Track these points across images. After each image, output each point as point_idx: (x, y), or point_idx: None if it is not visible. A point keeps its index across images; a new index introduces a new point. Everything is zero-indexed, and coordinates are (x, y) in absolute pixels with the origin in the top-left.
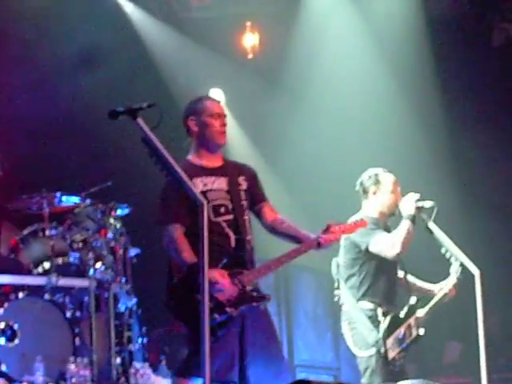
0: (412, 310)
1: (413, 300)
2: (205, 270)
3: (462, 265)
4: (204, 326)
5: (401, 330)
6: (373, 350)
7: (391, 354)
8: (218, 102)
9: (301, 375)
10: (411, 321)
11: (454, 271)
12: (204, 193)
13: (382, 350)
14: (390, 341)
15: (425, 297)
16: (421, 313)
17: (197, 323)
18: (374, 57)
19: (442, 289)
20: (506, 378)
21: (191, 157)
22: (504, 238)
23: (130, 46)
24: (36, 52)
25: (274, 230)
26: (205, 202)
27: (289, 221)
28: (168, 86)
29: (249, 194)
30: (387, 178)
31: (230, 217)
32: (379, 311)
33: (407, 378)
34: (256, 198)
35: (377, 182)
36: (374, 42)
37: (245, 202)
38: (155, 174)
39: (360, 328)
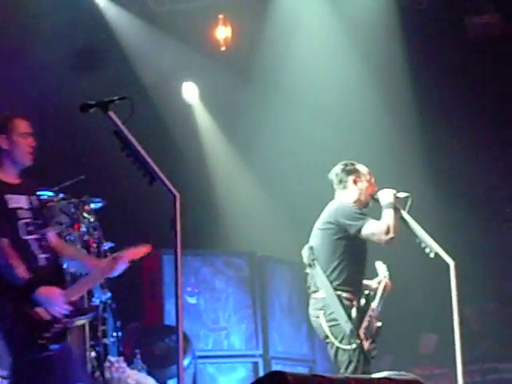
0: (368, 301)
1: (366, 291)
2: (178, 268)
3: (436, 255)
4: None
5: (366, 321)
6: (355, 343)
7: (366, 345)
8: (27, 121)
9: (276, 367)
10: (370, 312)
11: (381, 268)
12: (15, 210)
13: (358, 342)
14: (361, 331)
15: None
16: (374, 305)
17: (23, 347)
18: (346, 48)
19: (379, 282)
20: (483, 369)
21: None
22: (478, 229)
23: (102, 40)
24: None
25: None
26: (177, 195)
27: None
28: (140, 79)
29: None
30: (362, 167)
31: (38, 236)
32: (355, 302)
33: (381, 370)
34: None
35: (355, 171)
36: (347, 33)
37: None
38: (128, 167)
39: (338, 318)
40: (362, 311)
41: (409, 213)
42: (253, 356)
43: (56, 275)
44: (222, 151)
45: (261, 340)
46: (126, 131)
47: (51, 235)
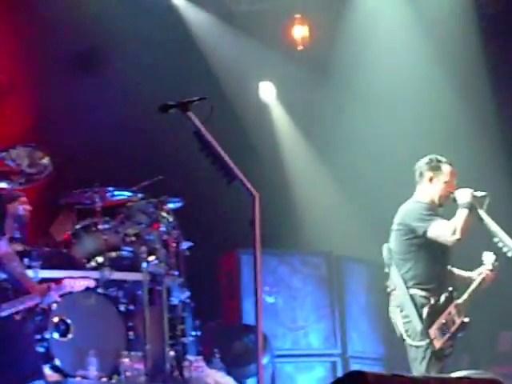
0: (450, 298)
1: (449, 288)
2: (258, 267)
3: None
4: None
5: (443, 319)
6: (424, 341)
7: (437, 344)
8: None
9: (354, 366)
10: (451, 309)
11: (488, 258)
12: None
13: (428, 340)
14: (433, 330)
15: (465, 284)
16: (460, 300)
17: None
18: (423, 47)
19: (479, 274)
20: None
21: None
22: None
23: (181, 41)
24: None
25: None
26: (257, 195)
27: None
28: (219, 79)
29: None
30: (446, 168)
31: None
32: (432, 300)
33: (459, 369)
34: None
35: (436, 169)
36: (424, 31)
37: None
38: (207, 167)
39: (410, 316)
40: (437, 310)
41: (487, 212)
42: (331, 355)
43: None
44: (300, 150)
45: (339, 339)
46: (205, 131)
47: (2, 244)
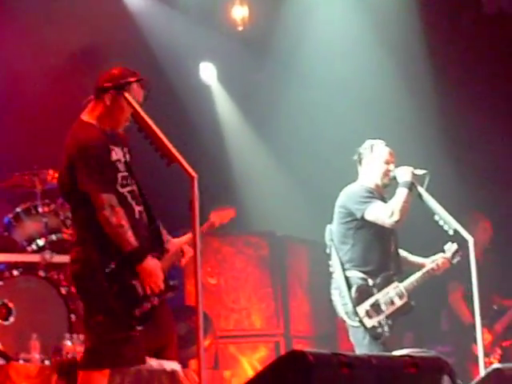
0: (388, 279)
1: (390, 270)
2: (197, 249)
3: (455, 231)
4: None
5: (375, 298)
6: (357, 320)
7: (369, 323)
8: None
9: (298, 347)
10: (389, 289)
11: (449, 247)
12: (115, 162)
13: (358, 319)
14: (362, 309)
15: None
16: (403, 282)
17: (124, 312)
18: (363, 24)
19: (432, 262)
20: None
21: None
22: (498, 205)
23: (119, 21)
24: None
25: None
26: (195, 176)
27: None
28: (157, 59)
29: None
30: (382, 149)
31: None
32: (370, 281)
33: (403, 348)
34: None
35: (371, 152)
36: (363, 9)
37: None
38: (146, 148)
39: (345, 297)
40: (370, 290)
41: (427, 190)
42: (274, 335)
43: (156, 238)
44: (241, 131)
45: (282, 319)
46: (142, 112)
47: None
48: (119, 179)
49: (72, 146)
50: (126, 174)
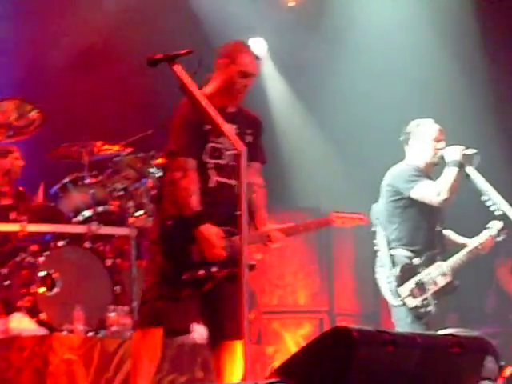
0: (431, 259)
1: (435, 250)
2: (243, 223)
3: (504, 213)
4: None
5: (419, 278)
6: (399, 300)
7: (411, 302)
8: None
9: (341, 324)
10: (431, 269)
11: (495, 225)
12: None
13: (400, 299)
14: (405, 288)
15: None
16: (447, 262)
17: (172, 272)
18: (416, 6)
19: (476, 240)
20: None
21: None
22: None
23: None
24: None
25: None
26: (243, 150)
27: None
28: (207, 34)
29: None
30: (431, 126)
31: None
32: (415, 260)
33: (445, 327)
34: None
35: (419, 130)
36: None
37: None
38: None
39: (389, 275)
40: (414, 269)
41: (477, 170)
42: (318, 312)
43: (229, 214)
44: (289, 107)
45: (326, 296)
46: (192, 85)
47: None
48: (208, 149)
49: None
50: (218, 146)
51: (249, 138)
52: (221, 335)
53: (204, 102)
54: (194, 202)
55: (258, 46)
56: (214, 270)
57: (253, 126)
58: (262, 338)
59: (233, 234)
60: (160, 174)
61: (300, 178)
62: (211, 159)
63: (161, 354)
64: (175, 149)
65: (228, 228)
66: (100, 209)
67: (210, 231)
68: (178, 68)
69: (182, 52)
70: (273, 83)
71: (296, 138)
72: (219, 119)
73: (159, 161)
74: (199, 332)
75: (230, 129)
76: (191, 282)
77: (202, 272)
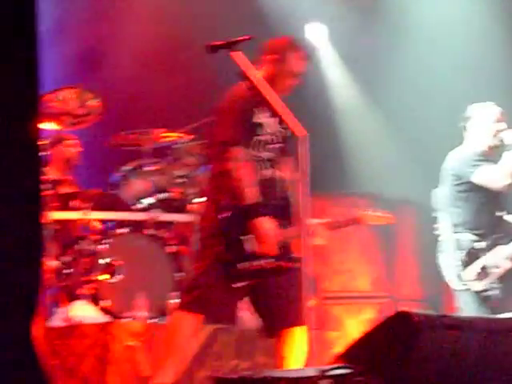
0: (494, 243)
1: (499, 234)
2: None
3: None
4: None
5: (482, 262)
6: (464, 284)
7: (476, 286)
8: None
9: (404, 309)
10: (494, 253)
11: None
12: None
13: (465, 283)
14: (470, 272)
15: None
16: (508, 245)
17: (226, 262)
18: None
19: None
20: None
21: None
22: None
23: None
24: None
25: None
26: (305, 134)
27: None
28: (267, 19)
29: None
30: (491, 109)
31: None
32: (481, 244)
33: (509, 311)
34: None
35: (478, 115)
36: None
37: None
38: None
39: (453, 260)
40: (477, 253)
41: None
42: (379, 298)
43: (283, 208)
44: (349, 94)
45: (388, 282)
46: (253, 71)
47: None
48: (254, 142)
49: (223, 101)
50: (266, 139)
51: (284, 133)
52: (280, 323)
53: (263, 90)
54: (251, 193)
55: (318, 31)
56: (267, 262)
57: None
58: (323, 324)
59: (285, 226)
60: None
61: (361, 163)
62: (259, 152)
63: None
64: (229, 139)
65: (280, 221)
66: (161, 196)
67: (267, 225)
68: (237, 55)
69: (242, 38)
70: (333, 69)
71: (355, 124)
72: (279, 106)
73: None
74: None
75: (289, 115)
76: (246, 273)
77: (257, 264)
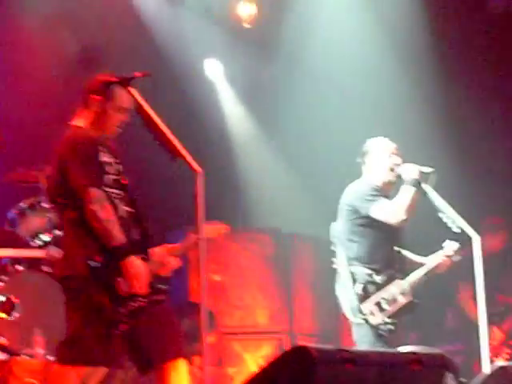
0: (392, 277)
1: (394, 268)
2: (202, 245)
3: (460, 229)
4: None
5: (380, 296)
6: (361, 317)
7: (373, 320)
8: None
9: (302, 344)
10: (391, 287)
11: (449, 245)
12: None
13: (363, 316)
14: (367, 306)
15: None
16: (406, 281)
17: (109, 308)
18: (369, 24)
19: (433, 260)
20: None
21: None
22: (504, 202)
23: (124, 17)
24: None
25: None
26: (200, 171)
27: None
28: (163, 56)
29: None
30: (387, 144)
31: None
32: (376, 278)
33: (405, 345)
34: None
35: (375, 149)
36: (369, 8)
37: None
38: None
39: (350, 293)
40: (374, 287)
41: (433, 188)
42: (278, 333)
43: (143, 241)
44: (246, 128)
45: (286, 317)
46: (147, 107)
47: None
48: (106, 181)
49: (62, 147)
50: (114, 177)
51: (120, 167)
52: (161, 357)
53: (159, 124)
54: (119, 232)
55: (214, 67)
56: (143, 300)
57: (117, 155)
58: (222, 360)
59: (147, 260)
60: None
61: (259, 198)
62: (112, 189)
63: None
64: (84, 181)
65: (142, 255)
66: (58, 232)
67: (137, 263)
68: (132, 90)
69: (139, 74)
70: (229, 105)
71: (253, 158)
72: (176, 141)
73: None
74: None
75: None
76: (126, 316)
77: (134, 304)
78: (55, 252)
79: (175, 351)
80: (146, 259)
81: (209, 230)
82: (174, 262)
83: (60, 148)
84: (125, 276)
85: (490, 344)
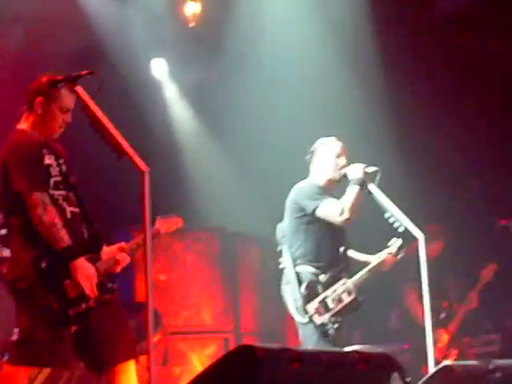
0: (337, 276)
1: (339, 267)
2: (148, 245)
3: (406, 229)
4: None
5: (325, 296)
6: (306, 317)
7: (318, 320)
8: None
9: (247, 343)
10: (336, 287)
11: (394, 243)
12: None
13: (307, 316)
14: (312, 306)
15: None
16: (351, 279)
17: (58, 310)
18: (315, 22)
19: (377, 258)
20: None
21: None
22: (449, 202)
23: (68, 16)
24: None
25: None
26: (146, 170)
27: None
28: (108, 54)
29: None
30: (333, 143)
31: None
32: (320, 277)
33: (350, 344)
34: None
35: (322, 148)
36: (316, 6)
37: None
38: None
39: (295, 293)
40: (319, 286)
41: (378, 187)
42: (224, 332)
43: (92, 241)
44: (192, 127)
45: (231, 316)
46: (93, 106)
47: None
48: (51, 183)
49: (5, 151)
50: (59, 179)
51: (64, 167)
52: (112, 359)
53: (105, 122)
54: (65, 235)
55: (159, 66)
56: (90, 302)
57: (63, 155)
58: (168, 359)
59: (96, 260)
60: None
61: (205, 198)
62: (57, 191)
63: None
64: (28, 185)
65: (90, 256)
66: (2, 231)
67: (85, 265)
68: (78, 89)
69: (84, 73)
70: (174, 104)
71: (199, 157)
72: (122, 140)
73: None
74: None
75: (130, 150)
76: (76, 317)
77: (83, 305)
78: (5, 252)
79: (125, 353)
80: (94, 259)
81: (164, 224)
82: (126, 259)
83: (2, 153)
84: (73, 278)
85: (436, 346)
